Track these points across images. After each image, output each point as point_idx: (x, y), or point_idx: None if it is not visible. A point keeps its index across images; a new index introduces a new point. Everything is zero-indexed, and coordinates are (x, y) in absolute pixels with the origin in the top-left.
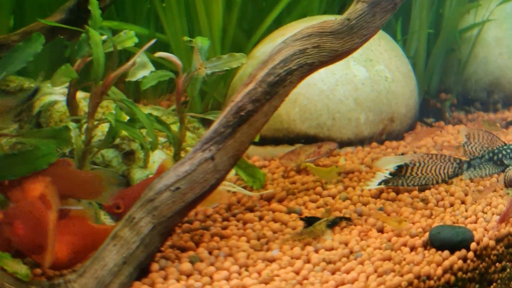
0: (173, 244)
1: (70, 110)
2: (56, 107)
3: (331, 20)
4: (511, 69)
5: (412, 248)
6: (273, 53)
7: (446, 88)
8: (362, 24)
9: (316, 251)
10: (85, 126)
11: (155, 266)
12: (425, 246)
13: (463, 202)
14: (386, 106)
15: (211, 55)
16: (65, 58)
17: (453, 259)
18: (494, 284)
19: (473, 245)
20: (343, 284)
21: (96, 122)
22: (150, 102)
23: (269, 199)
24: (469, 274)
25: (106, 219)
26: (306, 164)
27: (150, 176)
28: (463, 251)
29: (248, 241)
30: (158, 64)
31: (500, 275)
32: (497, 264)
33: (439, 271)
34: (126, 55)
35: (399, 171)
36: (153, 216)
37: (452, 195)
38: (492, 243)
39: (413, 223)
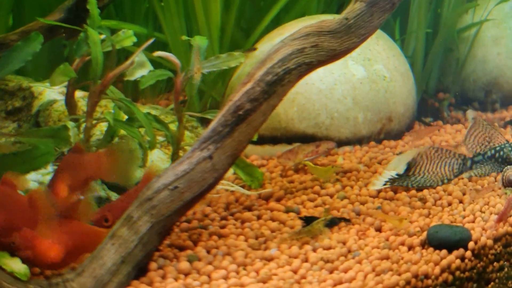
0: (171, 243)
1: (69, 109)
2: (54, 106)
3: (329, 19)
4: (509, 68)
5: (410, 247)
6: (271, 53)
7: (444, 87)
8: (360, 24)
9: (314, 250)
10: (83, 125)
11: (153, 265)
12: (423, 245)
13: (461, 202)
14: (384, 105)
15: (209, 54)
16: (63, 57)
17: (451, 258)
18: (492, 283)
19: (471, 245)
20: (341, 283)
21: (94, 121)
22: (148, 101)
23: (267, 198)
24: (466, 274)
25: None
26: (305, 162)
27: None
28: (461, 250)
29: (246, 240)
30: (157, 63)
31: (498, 274)
32: (495, 263)
33: (437, 270)
34: (125, 54)
35: (408, 170)
36: (151, 215)
37: (450, 194)
38: (490, 242)
39: (411, 222)
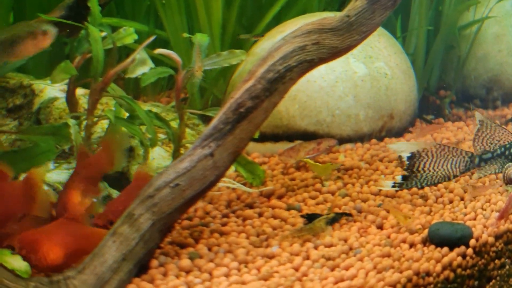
0: (173, 241)
1: (70, 107)
2: (55, 104)
3: (330, 17)
4: (510, 66)
5: (412, 245)
6: (273, 50)
7: (445, 85)
8: (362, 21)
9: (316, 247)
10: (84, 122)
11: (154, 263)
12: (424, 242)
13: (462, 199)
14: (386, 103)
15: (210, 51)
16: (64, 55)
17: (452, 256)
18: (493, 281)
19: (472, 242)
20: (342, 280)
21: (95, 119)
22: (149, 99)
23: (268, 195)
24: (468, 271)
25: None
26: (305, 160)
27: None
28: (462, 248)
29: (247, 238)
30: (158, 61)
31: (499, 271)
32: (496, 260)
33: (438, 267)
34: (126, 51)
35: (412, 158)
36: (153, 213)
37: (451, 191)
38: (491, 240)
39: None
